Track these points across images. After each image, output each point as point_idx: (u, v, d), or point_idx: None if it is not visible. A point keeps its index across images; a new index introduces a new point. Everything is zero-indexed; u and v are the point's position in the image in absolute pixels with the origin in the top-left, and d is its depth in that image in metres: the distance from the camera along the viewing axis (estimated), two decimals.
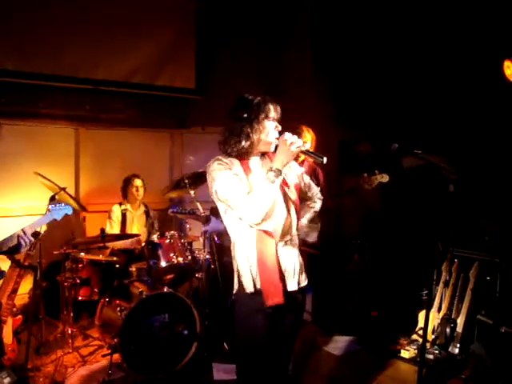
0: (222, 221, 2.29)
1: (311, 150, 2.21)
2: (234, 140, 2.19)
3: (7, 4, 4.38)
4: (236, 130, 2.19)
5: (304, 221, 2.48)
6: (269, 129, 2.21)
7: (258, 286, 2.16)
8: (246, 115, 2.18)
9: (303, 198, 2.45)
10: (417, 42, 4.60)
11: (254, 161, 2.28)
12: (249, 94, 2.24)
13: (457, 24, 4.22)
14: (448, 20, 4.29)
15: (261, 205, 2.06)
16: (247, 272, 2.18)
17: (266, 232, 2.14)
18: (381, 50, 4.94)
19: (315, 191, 2.53)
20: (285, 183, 2.25)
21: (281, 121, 2.27)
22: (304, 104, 4.91)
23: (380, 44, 4.94)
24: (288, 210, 2.26)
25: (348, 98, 5.19)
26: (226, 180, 2.13)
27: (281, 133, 2.22)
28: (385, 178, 3.34)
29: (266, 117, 2.20)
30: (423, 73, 4.59)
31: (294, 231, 2.30)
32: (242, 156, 2.23)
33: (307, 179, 2.50)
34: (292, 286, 2.25)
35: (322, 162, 2.12)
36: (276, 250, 2.17)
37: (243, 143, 2.18)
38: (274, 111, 2.22)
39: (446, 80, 4.41)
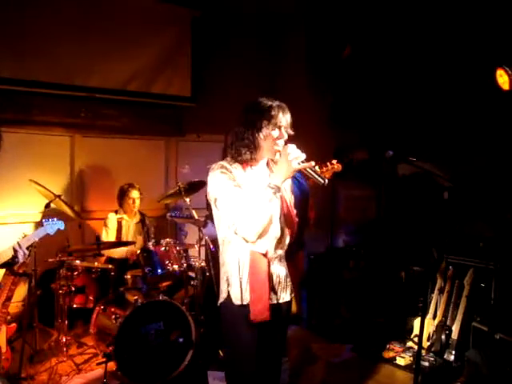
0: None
1: (313, 169, 2.04)
2: (242, 147, 2.12)
3: (2, 11, 4.38)
4: (241, 134, 2.12)
5: None
6: (274, 137, 2.12)
7: (246, 301, 2.10)
8: (253, 119, 2.12)
9: None
10: (413, 50, 4.63)
11: (259, 167, 2.22)
12: (264, 99, 2.15)
13: (450, 33, 4.25)
14: (441, 28, 4.32)
15: (256, 223, 2.02)
16: (237, 284, 2.13)
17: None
18: (377, 58, 4.97)
19: None
20: (283, 198, 2.18)
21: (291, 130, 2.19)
22: (300, 111, 4.92)
23: (376, 51, 4.96)
24: (284, 226, 2.22)
25: (344, 105, 5.22)
26: (227, 193, 2.07)
27: (286, 143, 2.12)
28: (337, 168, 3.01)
29: (274, 124, 2.11)
30: (419, 81, 4.62)
31: (286, 246, 2.26)
32: (247, 162, 2.16)
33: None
34: (285, 298, 2.25)
35: (323, 184, 2.03)
36: (268, 267, 2.12)
37: (252, 149, 2.11)
38: (282, 119, 2.13)
39: (440, 87, 4.44)
